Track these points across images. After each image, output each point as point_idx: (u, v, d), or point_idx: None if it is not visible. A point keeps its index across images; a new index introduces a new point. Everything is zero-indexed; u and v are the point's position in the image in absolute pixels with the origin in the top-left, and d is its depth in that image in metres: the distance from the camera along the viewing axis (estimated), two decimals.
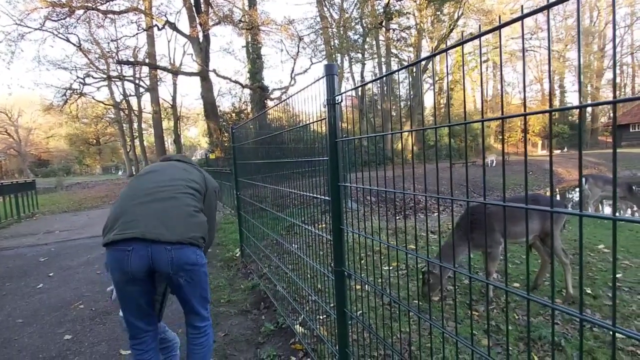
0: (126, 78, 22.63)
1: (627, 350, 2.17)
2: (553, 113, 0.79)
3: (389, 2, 17.51)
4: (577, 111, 0.70)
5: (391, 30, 20.50)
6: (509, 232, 2.87)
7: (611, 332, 0.71)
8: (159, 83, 21.61)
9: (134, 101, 28.80)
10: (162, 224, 1.49)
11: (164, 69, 19.27)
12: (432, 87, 24.58)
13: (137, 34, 17.53)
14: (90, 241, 5.92)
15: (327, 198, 1.73)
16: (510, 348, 2.23)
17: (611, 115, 34.01)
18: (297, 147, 2.48)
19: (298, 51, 18.55)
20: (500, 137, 32.25)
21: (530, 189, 14.11)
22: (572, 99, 34.40)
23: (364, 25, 20.61)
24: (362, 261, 3.58)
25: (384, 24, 19.10)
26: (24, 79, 64.92)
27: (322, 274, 1.98)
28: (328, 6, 22.34)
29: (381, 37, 22.25)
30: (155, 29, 16.06)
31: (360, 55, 23.93)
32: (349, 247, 1.73)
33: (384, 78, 1.34)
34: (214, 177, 2.12)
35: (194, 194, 1.69)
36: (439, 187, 1.05)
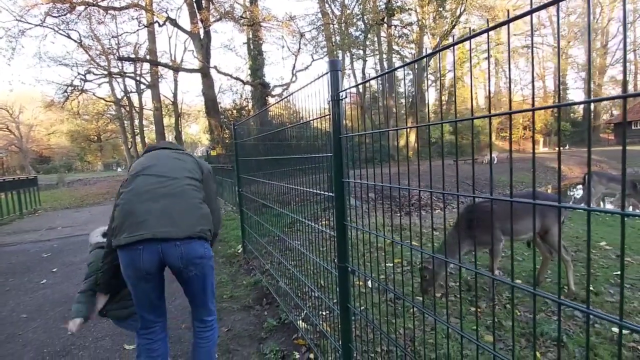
0: (127, 75, 22.59)
1: (628, 346, 2.18)
2: (555, 109, 0.79)
3: None
4: (579, 109, 0.70)
5: (393, 27, 20.40)
6: (508, 229, 2.88)
7: (617, 327, 0.72)
8: (160, 80, 21.57)
9: (135, 98, 28.77)
10: (170, 222, 1.51)
11: (165, 65, 19.22)
12: (433, 84, 24.52)
13: (138, 30, 17.44)
14: None
15: (331, 194, 1.73)
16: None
17: (613, 113, 33.89)
18: (300, 144, 2.48)
19: (299, 48, 18.50)
20: (502, 134, 32.19)
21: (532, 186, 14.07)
22: (574, 96, 34.25)
23: (366, 21, 20.50)
24: (364, 258, 3.58)
25: (385, 20, 19.01)
26: (25, 76, 64.70)
27: (325, 270, 1.99)
28: (329, 2, 22.25)
29: (383, 34, 22.14)
30: (156, 25, 15.99)
31: (361, 52, 23.83)
32: (352, 243, 1.73)
33: (389, 74, 1.35)
34: (215, 174, 2.12)
35: (195, 184, 1.70)
36: (444, 184, 1.05)
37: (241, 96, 19.08)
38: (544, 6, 0.78)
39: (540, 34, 26.50)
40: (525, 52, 27.75)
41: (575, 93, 35.19)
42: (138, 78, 24.07)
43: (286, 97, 2.60)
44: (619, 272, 3.31)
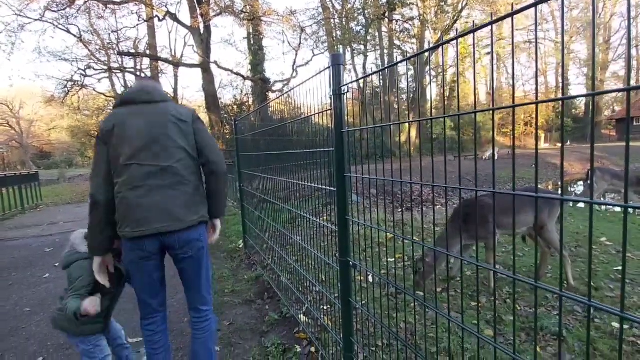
0: (127, 70, 22.48)
1: (628, 341, 2.20)
2: (556, 105, 0.79)
3: None
4: (581, 105, 0.70)
5: (394, 22, 20.26)
6: (502, 223, 2.91)
7: (617, 322, 0.72)
8: (160, 75, 21.49)
9: None
10: (169, 217, 1.58)
11: (165, 60, 19.15)
12: (434, 79, 24.39)
13: (137, 25, 17.39)
14: None
15: (332, 189, 1.74)
16: (512, 337, 2.25)
17: (615, 109, 33.75)
18: (301, 139, 2.48)
19: (300, 43, 18.44)
20: (502, 130, 32.08)
21: (533, 182, 14.08)
22: (575, 91, 34.10)
23: (367, 16, 20.37)
24: (365, 253, 3.60)
25: (386, 15, 18.87)
26: (25, 71, 64.40)
27: (327, 264, 2.00)
28: None
29: (384, 29, 21.98)
30: (156, 20, 15.92)
31: (362, 47, 23.68)
32: (352, 239, 1.74)
33: (390, 68, 1.34)
34: None
35: (184, 158, 1.63)
36: (447, 178, 1.05)
37: (242, 92, 19.07)
38: None
39: (542, 29, 26.33)
40: (527, 47, 27.58)
41: (577, 89, 35.03)
42: (138, 73, 23.94)
43: (288, 91, 2.59)
44: (619, 268, 3.32)
